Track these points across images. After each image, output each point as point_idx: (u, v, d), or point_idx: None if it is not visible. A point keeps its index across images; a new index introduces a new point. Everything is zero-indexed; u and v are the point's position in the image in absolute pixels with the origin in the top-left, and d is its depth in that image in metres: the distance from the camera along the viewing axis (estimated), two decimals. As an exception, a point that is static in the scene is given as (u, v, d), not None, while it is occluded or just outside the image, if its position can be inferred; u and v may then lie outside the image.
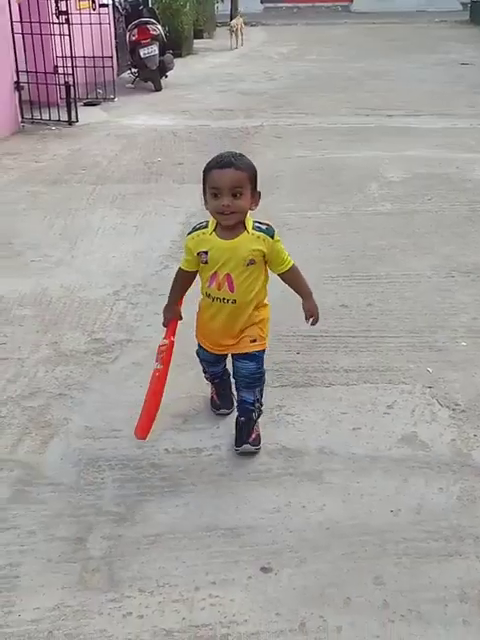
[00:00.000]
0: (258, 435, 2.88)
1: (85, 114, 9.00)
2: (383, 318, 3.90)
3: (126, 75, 11.76)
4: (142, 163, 6.98)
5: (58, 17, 8.35)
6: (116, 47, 11.13)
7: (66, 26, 8.34)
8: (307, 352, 3.57)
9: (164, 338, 2.85)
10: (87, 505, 2.61)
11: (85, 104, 9.57)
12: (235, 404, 3.01)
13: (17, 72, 8.44)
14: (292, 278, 2.82)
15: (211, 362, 2.98)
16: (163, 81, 11.18)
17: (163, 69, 11.15)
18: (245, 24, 16.62)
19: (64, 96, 8.64)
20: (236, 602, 2.21)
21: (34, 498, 2.64)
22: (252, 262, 2.68)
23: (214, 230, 2.70)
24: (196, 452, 2.87)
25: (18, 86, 8.48)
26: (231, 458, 2.84)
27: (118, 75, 11.17)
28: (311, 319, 2.85)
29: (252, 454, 2.83)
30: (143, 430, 2.78)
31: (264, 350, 2.82)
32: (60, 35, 8.34)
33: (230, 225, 2.65)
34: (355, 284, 4.29)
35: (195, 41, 15.71)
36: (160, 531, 2.49)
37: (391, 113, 8.96)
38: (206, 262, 2.70)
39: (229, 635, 2.10)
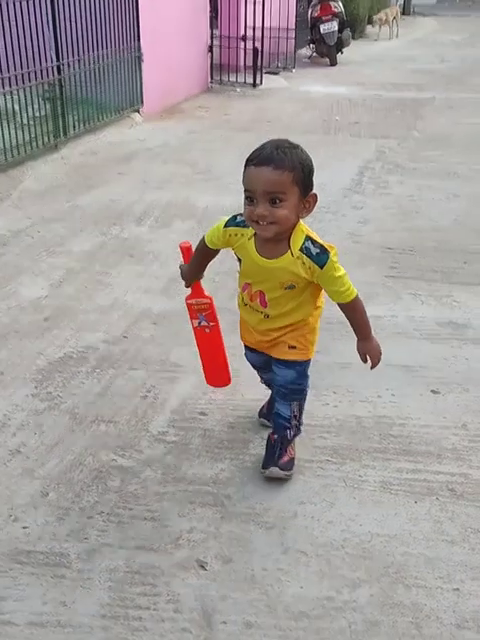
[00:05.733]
0: (291, 459, 2.41)
1: (266, 80, 9.77)
2: None
3: (303, 51, 12.43)
4: (321, 120, 7.62)
5: (253, -12, 9.13)
6: (296, 23, 11.81)
7: (260, -2, 9.09)
8: (472, 263, 4.09)
9: (193, 297, 2.51)
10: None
11: (266, 72, 10.32)
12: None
13: (212, 37, 9.31)
14: (351, 311, 2.21)
15: (257, 366, 2.56)
16: (337, 57, 11.76)
17: (340, 45, 11.74)
18: (404, 13, 16.49)
19: (250, 62, 9.42)
20: (411, 407, 2.80)
21: (246, 333, 3.33)
22: (292, 287, 2.16)
23: (254, 236, 2.13)
24: (376, 319, 3.46)
25: (211, 50, 9.34)
26: (405, 323, 3.43)
27: (296, 50, 11.86)
28: (368, 363, 2.28)
29: (281, 480, 2.38)
30: (226, 379, 2.68)
31: (306, 361, 2.33)
32: (254, 4, 9.08)
33: (268, 238, 2.07)
34: (518, 219, 4.75)
35: (368, 26, 16.17)
36: (349, 361, 3.09)
37: None
38: (239, 267, 2.28)
39: (405, 425, 2.70)
